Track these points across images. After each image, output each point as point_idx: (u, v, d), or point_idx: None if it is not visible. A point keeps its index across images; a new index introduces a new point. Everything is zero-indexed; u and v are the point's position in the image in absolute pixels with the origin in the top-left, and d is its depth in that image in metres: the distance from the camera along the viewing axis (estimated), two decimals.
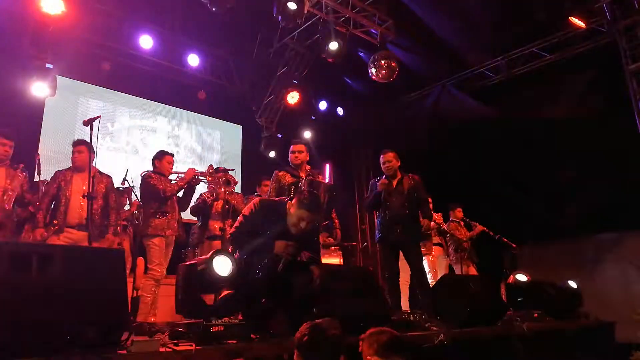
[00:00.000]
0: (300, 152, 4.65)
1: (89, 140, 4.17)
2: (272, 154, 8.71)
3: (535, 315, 4.92)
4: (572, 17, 7.26)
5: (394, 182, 5.07)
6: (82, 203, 4.30)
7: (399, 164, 5.16)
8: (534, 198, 7.42)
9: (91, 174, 4.18)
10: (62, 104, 7.06)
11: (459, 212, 6.82)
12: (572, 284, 5.54)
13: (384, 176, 5.13)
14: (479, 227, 6.68)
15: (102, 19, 6.93)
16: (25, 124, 6.42)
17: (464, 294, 4.14)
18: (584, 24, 7.28)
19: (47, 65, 6.23)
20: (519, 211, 7.32)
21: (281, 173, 4.62)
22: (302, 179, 4.47)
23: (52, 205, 4.43)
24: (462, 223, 6.80)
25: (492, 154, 7.80)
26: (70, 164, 4.57)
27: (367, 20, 7.64)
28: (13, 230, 4.52)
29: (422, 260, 5.36)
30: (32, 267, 2.40)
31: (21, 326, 2.27)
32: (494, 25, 7.26)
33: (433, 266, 5.98)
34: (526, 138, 7.63)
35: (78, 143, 4.51)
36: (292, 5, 6.33)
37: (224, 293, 3.25)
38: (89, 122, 3.96)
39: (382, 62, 7.27)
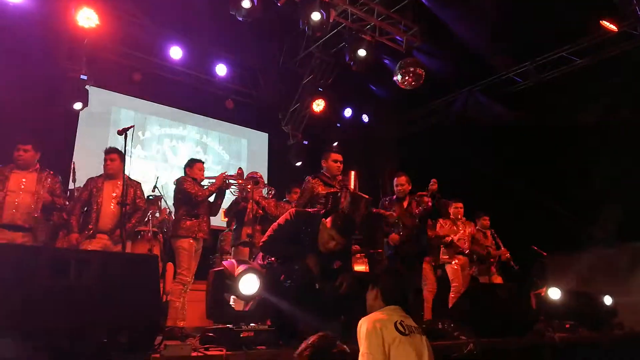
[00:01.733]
0: (342, 162, 4.64)
1: (122, 149, 4.29)
2: (298, 163, 8.77)
3: (567, 325, 4.80)
4: (603, 21, 7.11)
5: (405, 204, 5.31)
6: (114, 209, 4.43)
7: (410, 187, 5.41)
8: (566, 205, 7.26)
9: (120, 182, 4.34)
10: (96, 114, 7.29)
11: (485, 221, 6.64)
12: (608, 300, 5.40)
13: (394, 197, 5.43)
14: (504, 254, 6.48)
15: (133, 31, 7.15)
16: (61, 133, 6.66)
17: (493, 303, 4.09)
18: (615, 28, 7.12)
19: (82, 76, 6.45)
20: (550, 219, 7.16)
21: (315, 180, 4.57)
22: (343, 191, 4.43)
23: (84, 211, 4.54)
24: (488, 233, 6.61)
25: (521, 160, 7.67)
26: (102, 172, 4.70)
27: (393, 27, 7.65)
28: (48, 235, 4.68)
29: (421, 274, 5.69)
30: (70, 272, 2.49)
31: (59, 330, 2.35)
32: (522, 29, 7.17)
33: (456, 274, 5.87)
34: (556, 144, 7.48)
35: (110, 151, 4.64)
36: (315, 17, 6.38)
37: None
38: (123, 132, 4.08)
39: (408, 69, 7.26)
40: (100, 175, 4.65)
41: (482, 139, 8.15)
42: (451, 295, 5.70)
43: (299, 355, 2.25)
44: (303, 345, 2.25)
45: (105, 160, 4.61)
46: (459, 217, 6.21)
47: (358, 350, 2.47)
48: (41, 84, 6.22)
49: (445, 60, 8.13)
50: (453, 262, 5.91)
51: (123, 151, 4.32)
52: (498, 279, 6.35)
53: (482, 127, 8.29)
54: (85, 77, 6.41)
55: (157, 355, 2.56)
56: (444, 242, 6.01)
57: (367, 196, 4.55)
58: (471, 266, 6.26)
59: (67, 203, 4.74)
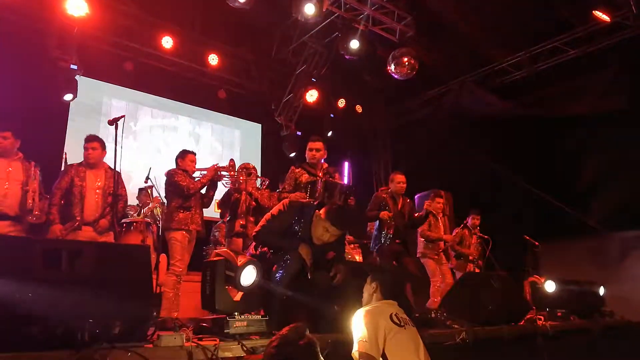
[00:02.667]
0: (317, 149, 4.60)
1: (113, 139, 4.23)
2: (292, 153, 8.74)
3: (559, 314, 4.85)
4: (596, 11, 7.11)
5: (399, 204, 5.38)
6: (98, 199, 4.38)
7: (405, 186, 5.49)
8: (558, 195, 7.31)
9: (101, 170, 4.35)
10: (86, 104, 7.21)
11: (474, 220, 6.64)
12: (599, 289, 5.47)
13: (388, 189, 5.46)
14: (486, 253, 6.52)
15: (124, 21, 7.05)
16: (52, 124, 6.59)
17: (486, 292, 4.12)
18: (608, 18, 7.12)
19: (72, 66, 6.37)
20: (542, 208, 7.21)
21: (298, 170, 4.60)
22: (320, 178, 4.45)
23: (64, 201, 4.42)
24: (474, 231, 6.62)
25: (514, 150, 7.69)
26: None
27: (386, 17, 7.60)
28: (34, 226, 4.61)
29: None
30: (62, 263, 2.47)
31: (51, 320, 2.34)
32: (516, 20, 7.16)
33: (435, 270, 5.92)
34: (549, 134, 7.51)
35: (91, 139, 4.54)
36: (309, 9, 6.36)
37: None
38: (113, 122, 4.03)
39: (402, 59, 7.24)
40: (81, 164, 4.53)
41: (475, 129, 8.16)
42: (431, 290, 5.77)
43: (267, 346, 2.28)
44: (273, 337, 2.28)
45: (86, 149, 4.49)
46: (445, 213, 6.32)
47: (329, 340, 2.58)
48: (31, 73, 6.13)
49: (439, 50, 8.11)
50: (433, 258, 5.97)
51: (114, 141, 4.25)
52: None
53: (475, 118, 8.29)
54: (75, 67, 6.32)
55: (150, 345, 2.56)
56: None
57: (341, 182, 4.59)
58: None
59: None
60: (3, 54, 5.81)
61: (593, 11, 7.13)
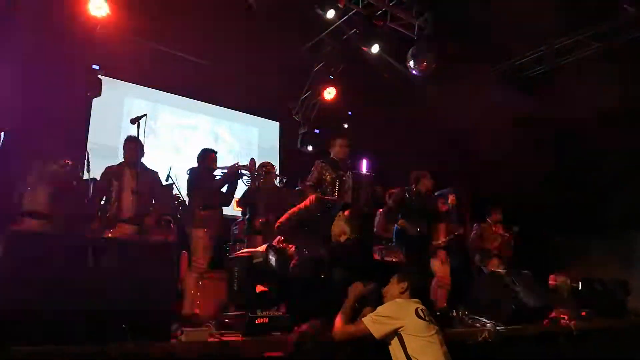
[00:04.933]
0: (348, 146, 4.67)
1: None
2: (309, 148, 8.77)
3: (583, 313, 4.77)
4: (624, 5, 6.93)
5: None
6: (132, 198, 4.45)
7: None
8: (581, 192, 7.16)
9: (138, 170, 4.37)
10: (108, 103, 7.32)
11: (495, 215, 6.56)
12: (625, 289, 5.37)
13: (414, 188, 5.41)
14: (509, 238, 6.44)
15: (144, 20, 7.11)
16: (74, 123, 6.71)
17: (508, 290, 4.07)
18: (634, 10, 6.94)
19: (94, 66, 6.47)
20: (565, 206, 7.07)
21: (323, 164, 4.62)
22: (347, 175, 4.44)
23: (104, 200, 4.57)
24: (496, 227, 6.53)
25: (535, 146, 7.57)
26: (117, 160, 4.72)
27: (404, 12, 7.54)
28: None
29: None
30: (87, 259, 2.53)
31: (79, 314, 2.39)
32: (538, 12, 7.01)
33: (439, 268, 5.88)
34: (572, 130, 7.36)
35: (131, 139, 4.61)
36: (330, 14, 6.41)
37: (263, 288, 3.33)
38: (135, 120, 4.09)
39: (420, 55, 7.18)
40: (120, 164, 4.64)
41: (495, 124, 8.04)
42: (434, 286, 5.71)
43: (288, 343, 2.31)
44: (293, 334, 2.31)
45: (125, 148, 4.60)
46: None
47: None
48: (55, 73, 6.24)
49: (459, 45, 8.00)
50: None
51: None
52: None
53: (496, 113, 8.16)
54: (97, 67, 6.43)
55: (175, 340, 2.60)
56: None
57: (369, 173, 4.59)
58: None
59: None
60: (27, 53, 5.92)
61: (620, 3, 6.94)
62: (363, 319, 2.63)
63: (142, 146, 4.52)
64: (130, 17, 6.76)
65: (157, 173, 4.86)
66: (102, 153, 6.56)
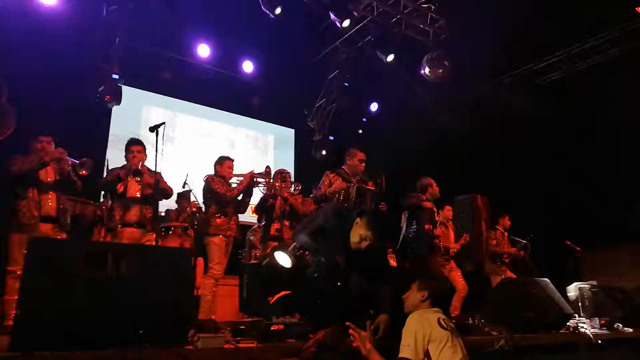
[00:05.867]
0: (365, 161, 4.71)
1: (154, 145, 4.35)
2: (323, 153, 8.82)
3: (603, 321, 4.68)
4: None
5: (435, 211, 5.41)
6: (140, 200, 4.51)
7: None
8: (601, 199, 7.04)
9: (145, 172, 4.51)
10: (127, 112, 7.48)
11: (505, 221, 6.54)
12: None
13: (423, 197, 5.35)
14: (521, 253, 6.38)
15: (162, 31, 7.25)
16: (95, 131, 6.86)
17: (525, 298, 4.02)
18: None
19: (114, 76, 6.62)
20: (584, 213, 6.96)
21: (332, 175, 4.66)
22: (353, 184, 4.48)
23: (111, 203, 4.61)
24: (506, 234, 6.50)
25: (554, 153, 7.48)
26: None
27: (419, 19, 7.56)
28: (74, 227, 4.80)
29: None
30: (107, 264, 2.57)
31: (97, 320, 2.44)
32: (555, 18, 6.96)
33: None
34: (591, 136, 7.26)
35: (137, 143, 4.69)
36: (346, 23, 6.47)
37: (279, 295, 3.35)
38: (154, 128, 4.14)
39: (436, 61, 7.18)
40: (123, 167, 4.64)
41: (514, 132, 7.98)
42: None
43: (304, 351, 2.28)
44: (310, 342, 2.28)
45: (131, 152, 4.64)
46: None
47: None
48: (76, 83, 6.39)
49: (474, 51, 7.97)
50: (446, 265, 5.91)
51: (155, 148, 4.37)
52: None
53: (513, 120, 8.10)
54: (117, 77, 6.57)
55: (190, 347, 2.62)
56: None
57: (372, 188, 4.60)
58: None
59: None
60: (48, 64, 6.07)
61: (637, 7, 6.85)
62: (402, 354, 2.56)
63: (145, 148, 4.63)
64: (149, 27, 6.91)
65: (159, 173, 4.85)
66: (122, 160, 6.66)
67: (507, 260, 6.26)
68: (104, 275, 2.50)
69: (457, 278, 5.91)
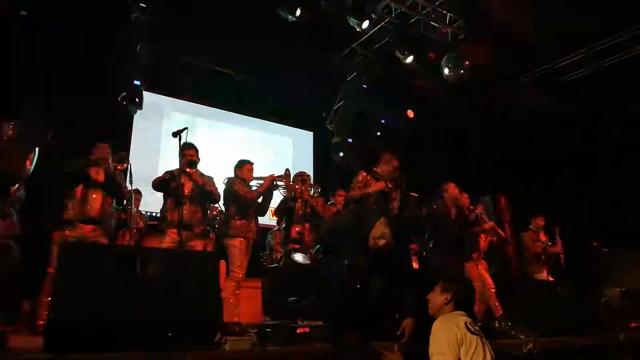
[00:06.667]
0: (398, 168, 4.63)
1: (177, 150, 4.38)
2: (341, 155, 8.81)
3: (633, 325, 4.58)
4: None
5: (453, 213, 5.28)
6: (190, 204, 4.54)
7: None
8: (629, 199, 6.88)
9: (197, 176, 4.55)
10: (148, 117, 7.59)
11: (539, 221, 6.43)
12: None
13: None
14: (557, 247, 6.28)
15: (182, 37, 7.33)
16: (118, 136, 6.97)
17: (552, 301, 3.95)
18: None
19: (135, 82, 6.72)
20: (612, 214, 6.81)
21: (368, 177, 4.57)
22: (393, 189, 4.42)
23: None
24: (541, 233, 6.39)
25: (577, 153, 7.35)
26: (158, 172, 4.83)
27: (437, 20, 7.51)
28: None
29: None
30: (135, 268, 2.61)
31: (127, 322, 2.47)
32: (576, 15, 6.84)
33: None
34: (615, 135, 7.11)
35: (190, 147, 4.66)
36: (365, 24, 6.47)
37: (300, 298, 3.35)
38: (177, 134, 4.18)
39: (455, 62, 7.12)
40: (177, 170, 4.55)
41: (535, 132, 7.87)
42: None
43: (331, 353, 2.28)
44: (335, 344, 2.29)
45: (185, 155, 4.57)
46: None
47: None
48: (98, 89, 6.50)
49: (494, 51, 7.88)
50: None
51: (178, 153, 4.39)
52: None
53: (533, 120, 7.99)
54: (139, 83, 6.67)
55: (218, 349, 2.64)
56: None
57: (417, 195, 4.54)
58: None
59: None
60: (76, 70, 6.18)
61: None
62: None
63: (198, 152, 4.67)
64: (170, 33, 7.00)
65: (212, 178, 4.85)
66: (144, 165, 6.76)
67: (543, 258, 6.15)
68: (133, 279, 2.54)
69: (486, 276, 5.83)
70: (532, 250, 6.25)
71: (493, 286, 5.51)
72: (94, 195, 4.38)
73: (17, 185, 3.93)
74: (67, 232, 4.15)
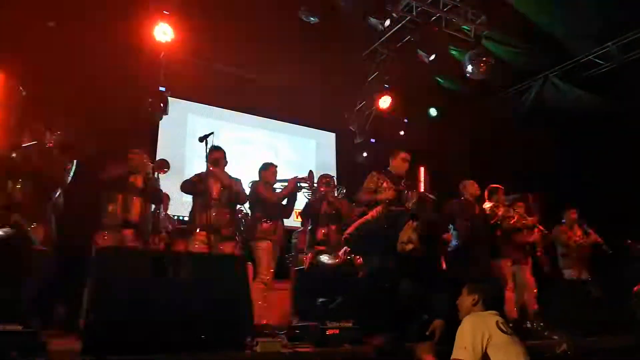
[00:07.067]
0: (409, 161, 4.64)
1: (203, 154, 4.45)
2: (364, 155, 8.80)
3: None
4: None
5: (477, 209, 5.30)
6: (218, 206, 4.63)
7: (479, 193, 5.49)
8: None
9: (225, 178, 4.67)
10: (174, 122, 7.72)
11: (572, 214, 6.32)
12: None
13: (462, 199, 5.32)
14: (593, 237, 6.14)
15: (205, 42, 7.43)
16: (144, 141, 7.11)
17: (586, 301, 3.86)
18: None
19: (160, 88, 6.84)
20: None
21: (380, 176, 4.57)
22: (410, 190, 4.39)
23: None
24: (576, 226, 6.27)
25: (605, 149, 7.16)
26: (183, 176, 4.89)
27: (459, 17, 7.42)
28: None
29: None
30: (168, 272, 2.66)
31: (161, 325, 2.52)
32: (602, 6, 6.66)
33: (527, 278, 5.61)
34: None
35: (218, 149, 4.77)
36: (386, 23, 6.44)
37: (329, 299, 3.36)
38: (203, 138, 4.26)
39: (479, 59, 7.03)
40: (203, 173, 4.65)
41: (561, 128, 7.70)
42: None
43: (362, 354, 2.29)
44: (367, 346, 2.29)
45: (216, 159, 4.70)
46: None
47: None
48: (124, 96, 6.64)
49: (517, 46, 7.75)
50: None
51: (205, 157, 4.46)
52: (586, 276, 6.00)
53: (560, 115, 7.82)
54: (163, 89, 6.79)
55: (249, 351, 2.67)
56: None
57: (432, 196, 4.52)
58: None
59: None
60: (103, 76, 6.33)
61: None
62: (457, 356, 2.52)
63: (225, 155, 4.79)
64: (192, 40, 7.10)
65: (240, 181, 4.92)
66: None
67: (578, 255, 6.02)
68: (166, 283, 2.59)
69: (529, 277, 5.68)
70: (567, 245, 6.13)
71: (534, 287, 5.41)
72: (134, 201, 4.46)
73: (57, 193, 4.03)
74: (107, 236, 4.23)
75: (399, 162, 4.60)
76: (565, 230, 6.28)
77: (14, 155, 3.75)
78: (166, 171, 4.66)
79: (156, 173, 4.62)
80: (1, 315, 2.45)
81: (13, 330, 2.36)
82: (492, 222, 5.34)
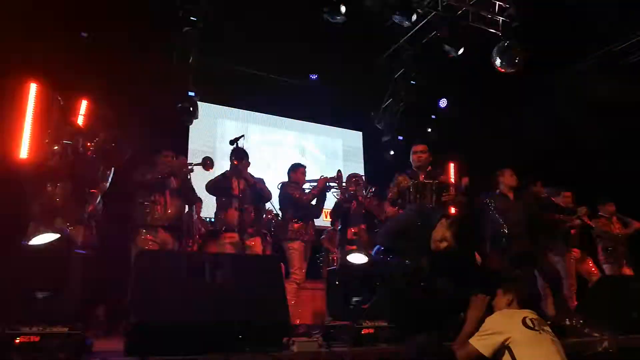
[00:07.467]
0: (423, 152, 4.60)
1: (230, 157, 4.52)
2: (391, 153, 8.75)
3: None
4: None
5: (511, 198, 4.99)
6: (239, 207, 4.62)
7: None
8: None
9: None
10: (203, 126, 7.87)
11: (609, 207, 6.15)
12: None
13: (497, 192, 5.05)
14: (635, 225, 5.95)
15: (232, 47, 7.53)
16: (175, 145, 7.26)
17: (628, 297, 3.74)
18: None
19: (190, 93, 6.98)
20: None
21: (401, 177, 4.58)
22: (412, 182, 4.40)
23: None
24: (614, 219, 6.09)
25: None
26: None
27: (486, 10, 7.29)
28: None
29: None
30: (205, 274, 2.72)
31: (200, 325, 2.58)
32: None
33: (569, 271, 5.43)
34: None
35: (240, 151, 4.75)
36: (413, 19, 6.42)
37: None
38: (234, 141, 4.34)
39: (508, 51, 6.88)
40: (227, 172, 4.76)
41: (598, 118, 7.47)
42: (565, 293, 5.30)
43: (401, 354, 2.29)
44: (406, 346, 2.29)
45: (243, 163, 4.72)
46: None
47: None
48: (157, 101, 6.79)
49: (548, 37, 7.54)
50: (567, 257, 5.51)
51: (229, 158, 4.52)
52: (627, 271, 5.80)
53: (597, 105, 7.57)
54: (193, 94, 6.92)
55: (286, 351, 2.70)
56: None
57: (432, 181, 4.45)
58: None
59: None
60: (134, 83, 6.48)
61: None
62: (470, 339, 2.54)
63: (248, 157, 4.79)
64: (219, 44, 7.21)
65: (261, 180, 4.97)
66: (201, 173, 6.99)
67: (617, 249, 5.86)
68: (204, 284, 2.65)
69: (592, 270, 5.62)
70: (611, 237, 5.97)
71: (574, 282, 5.27)
72: (174, 202, 4.54)
73: (98, 199, 4.14)
74: (149, 237, 4.29)
75: (412, 156, 4.63)
76: (607, 223, 6.11)
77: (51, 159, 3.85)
78: (211, 170, 4.71)
79: (189, 175, 4.68)
80: (48, 317, 2.54)
81: (60, 332, 2.44)
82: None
